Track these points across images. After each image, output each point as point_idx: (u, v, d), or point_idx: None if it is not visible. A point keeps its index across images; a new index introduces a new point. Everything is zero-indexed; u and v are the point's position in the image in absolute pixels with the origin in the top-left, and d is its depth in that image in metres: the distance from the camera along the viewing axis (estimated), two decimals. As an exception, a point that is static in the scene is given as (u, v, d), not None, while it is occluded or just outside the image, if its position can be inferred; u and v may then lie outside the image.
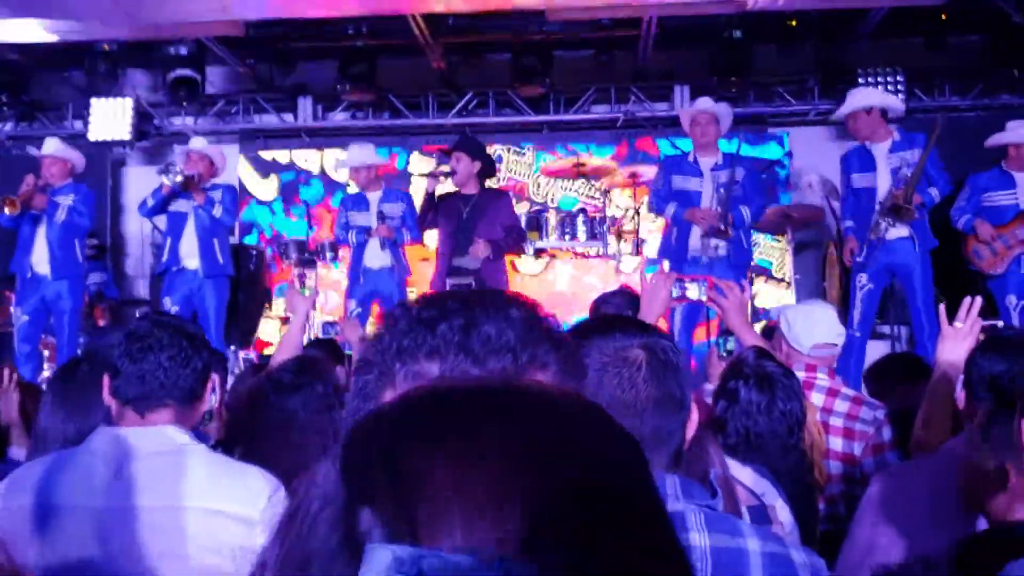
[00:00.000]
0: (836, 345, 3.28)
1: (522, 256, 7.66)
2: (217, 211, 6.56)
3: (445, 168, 6.88)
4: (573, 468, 0.51)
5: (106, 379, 2.06)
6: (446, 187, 6.82)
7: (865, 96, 6.32)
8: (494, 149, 9.36)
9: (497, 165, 8.15)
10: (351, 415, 0.84)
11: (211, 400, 2.14)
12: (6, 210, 6.52)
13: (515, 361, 0.79)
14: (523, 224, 7.69)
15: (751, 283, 7.62)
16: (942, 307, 2.82)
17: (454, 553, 0.47)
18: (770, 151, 9.39)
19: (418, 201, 6.91)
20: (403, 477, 0.51)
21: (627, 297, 3.36)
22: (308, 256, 8.25)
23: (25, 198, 6.54)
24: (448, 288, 2.58)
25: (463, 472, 0.50)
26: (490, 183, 6.98)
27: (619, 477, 0.53)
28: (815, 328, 3.21)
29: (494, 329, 0.81)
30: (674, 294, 2.93)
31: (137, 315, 8.30)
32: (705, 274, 5.97)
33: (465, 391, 0.59)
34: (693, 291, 2.94)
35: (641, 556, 0.50)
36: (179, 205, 6.67)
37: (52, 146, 6.91)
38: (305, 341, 4.26)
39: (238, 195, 6.94)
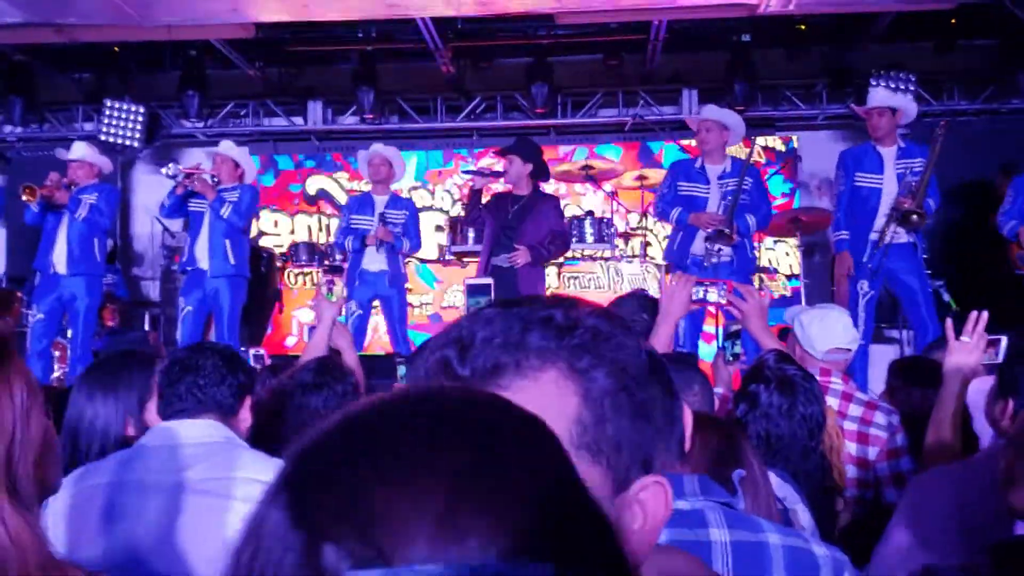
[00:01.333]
0: (850, 350, 3.28)
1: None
2: (225, 211, 6.52)
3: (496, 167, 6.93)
4: (517, 477, 0.53)
5: (150, 405, 2.23)
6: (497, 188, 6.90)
7: (893, 96, 6.31)
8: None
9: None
10: None
11: (249, 419, 2.25)
12: (24, 196, 6.58)
13: (507, 355, 0.80)
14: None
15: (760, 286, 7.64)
16: (949, 321, 2.85)
17: (423, 565, 0.48)
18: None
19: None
20: (359, 506, 0.50)
21: (641, 300, 3.35)
22: (318, 257, 8.29)
23: (46, 193, 6.60)
24: (465, 288, 2.60)
25: (419, 490, 0.50)
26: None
27: (559, 483, 0.56)
28: (830, 332, 3.21)
29: (482, 332, 0.82)
30: (694, 297, 2.95)
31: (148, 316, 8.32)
32: (710, 279, 5.97)
33: (404, 406, 0.58)
34: (713, 294, 2.94)
35: (584, 556, 0.53)
36: (198, 205, 6.69)
37: (80, 150, 6.95)
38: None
39: (257, 197, 6.92)
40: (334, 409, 2.39)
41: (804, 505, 2.22)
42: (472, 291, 2.71)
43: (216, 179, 6.61)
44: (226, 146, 6.89)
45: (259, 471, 2.05)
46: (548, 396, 0.79)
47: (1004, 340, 2.96)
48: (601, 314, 0.86)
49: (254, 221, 8.34)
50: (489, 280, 2.75)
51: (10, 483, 1.31)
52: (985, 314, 2.71)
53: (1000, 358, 2.76)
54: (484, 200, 6.57)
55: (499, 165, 7.30)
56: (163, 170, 6.59)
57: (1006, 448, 1.70)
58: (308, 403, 2.50)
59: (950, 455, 2.50)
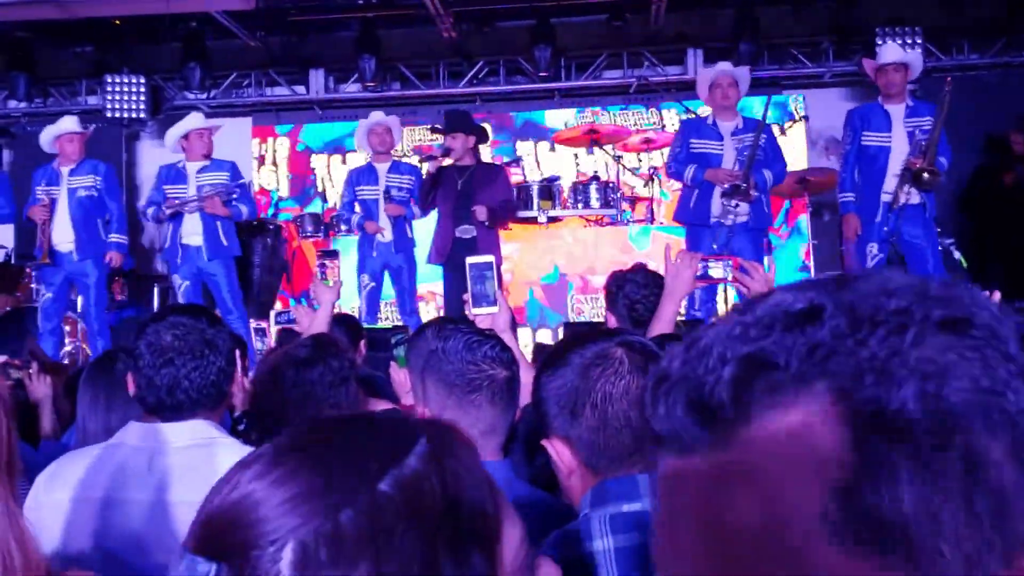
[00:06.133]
0: None
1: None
2: (244, 210, 6.68)
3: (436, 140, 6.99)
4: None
5: (131, 378, 2.07)
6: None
7: (904, 53, 6.24)
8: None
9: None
10: None
11: (237, 393, 2.15)
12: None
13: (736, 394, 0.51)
14: (535, 192, 7.71)
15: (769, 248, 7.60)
16: None
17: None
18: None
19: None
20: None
21: (648, 275, 3.32)
22: (324, 228, 8.29)
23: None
24: (468, 268, 2.55)
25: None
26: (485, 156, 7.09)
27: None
28: None
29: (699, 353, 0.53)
30: (698, 273, 2.93)
31: (156, 310, 8.30)
32: (726, 238, 5.93)
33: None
34: (717, 270, 2.92)
35: None
36: (175, 191, 6.68)
37: (67, 124, 6.86)
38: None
39: (239, 172, 6.94)
40: (328, 386, 2.34)
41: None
42: (474, 270, 2.66)
43: (230, 187, 6.64)
44: (194, 121, 6.80)
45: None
46: (785, 447, 0.49)
47: None
48: (891, 289, 0.51)
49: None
50: (490, 258, 2.70)
51: (12, 484, 1.32)
52: (997, 294, 2.68)
53: None
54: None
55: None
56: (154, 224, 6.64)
57: None
58: (303, 379, 2.43)
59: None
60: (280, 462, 0.68)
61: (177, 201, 6.57)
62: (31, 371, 3.31)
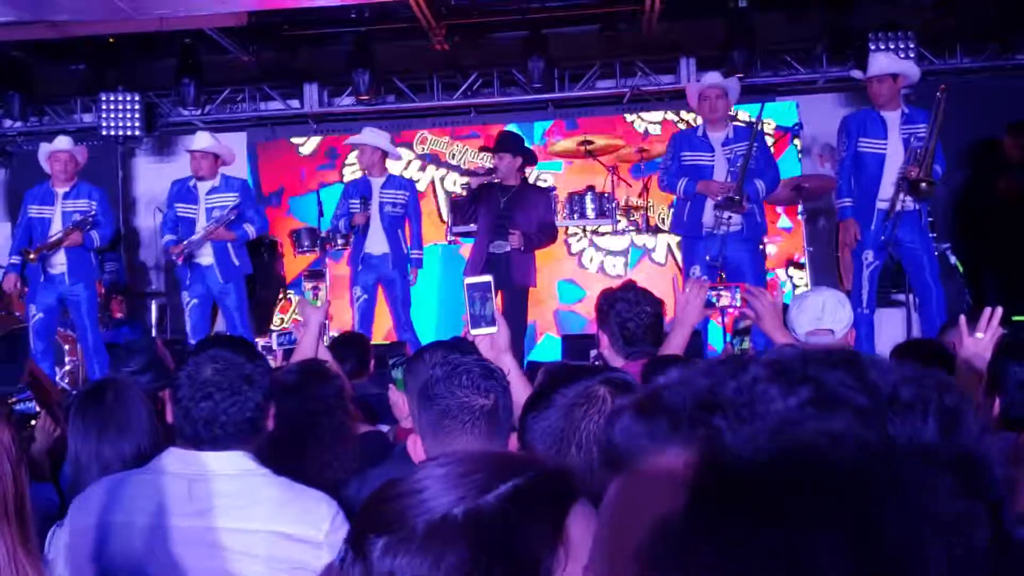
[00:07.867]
0: (832, 331, 3.29)
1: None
2: (251, 231, 6.74)
3: (487, 164, 7.04)
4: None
5: (168, 407, 2.10)
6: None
7: (894, 62, 6.23)
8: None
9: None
10: None
11: (270, 425, 2.17)
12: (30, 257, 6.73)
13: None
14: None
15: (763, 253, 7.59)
16: (963, 318, 2.82)
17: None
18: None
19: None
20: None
21: (639, 292, 3.31)
22: (320, 243, 8.28)
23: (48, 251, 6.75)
24: (465, 288, 2.54)
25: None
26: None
27: None
28: (807, 315, 3.28)
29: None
30: (709, 301, 2.98)
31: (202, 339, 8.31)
32: (718, 248, 5.95)
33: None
34: (725, 299, 2.97)
35: None
36: (186, 211, 6.71)
37: (62, 143, 6.87)
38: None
39: (252, 192, 6.96)
40: (310, 413, 2.36)
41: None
42: (472, 291, 2.65)
43: (226, 215, 6.65)
44: (203, 141, 6.81)
45: (279, 521, 1.98)
46: (638, 488, 0.54)
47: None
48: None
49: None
50: (488, 278, 2.69)
51: (22, 533, 1.33)
52: (999, 310, 2.69)
53: None
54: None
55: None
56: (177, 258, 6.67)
57: (1008, 457, 1.69)
58: (286, 405, 2.40)
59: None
60: (420, 471, 0.86)
61: (184, 244, 6.61)
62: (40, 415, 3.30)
